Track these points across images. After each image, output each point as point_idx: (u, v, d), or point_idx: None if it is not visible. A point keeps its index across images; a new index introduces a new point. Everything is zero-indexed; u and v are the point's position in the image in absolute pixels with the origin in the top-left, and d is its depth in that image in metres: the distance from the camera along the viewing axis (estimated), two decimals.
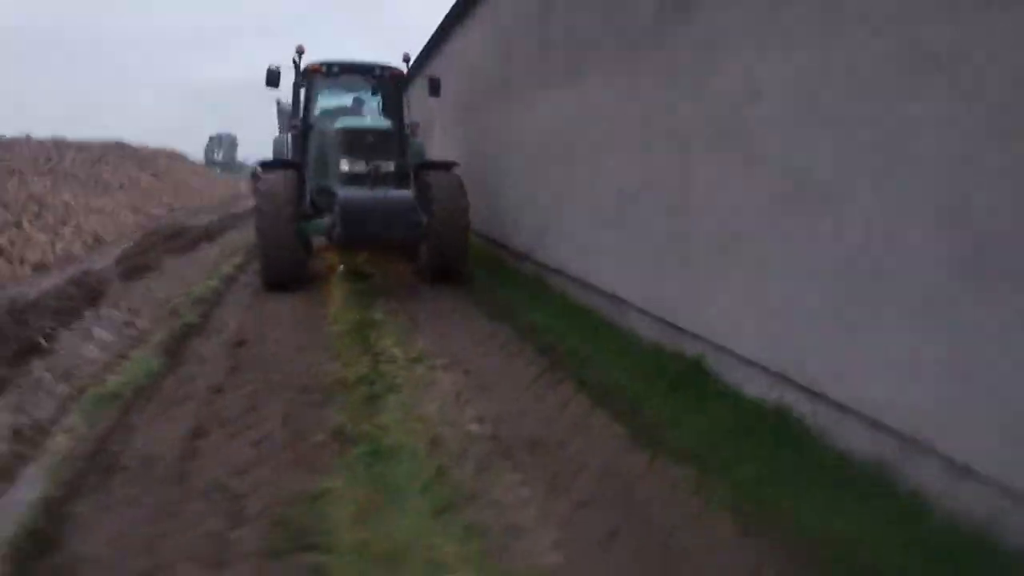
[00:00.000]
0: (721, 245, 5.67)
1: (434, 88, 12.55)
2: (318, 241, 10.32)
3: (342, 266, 10.72)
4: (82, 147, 23.74)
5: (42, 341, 7.18)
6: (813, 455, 4.28)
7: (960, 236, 3.56)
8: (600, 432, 4.84)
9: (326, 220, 9.94)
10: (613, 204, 7.64)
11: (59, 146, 22.36)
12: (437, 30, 17.25)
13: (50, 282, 10.31)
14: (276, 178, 9.96)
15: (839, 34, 4.43)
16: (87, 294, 9.45)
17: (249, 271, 11.67)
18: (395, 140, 10.53)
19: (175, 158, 37.35)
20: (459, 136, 15.28)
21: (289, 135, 12.20)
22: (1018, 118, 3.31)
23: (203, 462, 4.44)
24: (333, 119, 11.27)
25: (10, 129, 20.54)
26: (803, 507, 3.61)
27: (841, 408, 4.34)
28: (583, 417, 5.12)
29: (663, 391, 5.41)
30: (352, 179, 9.86)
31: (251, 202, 28.15)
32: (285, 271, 9.80)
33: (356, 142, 10.07)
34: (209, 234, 16.77)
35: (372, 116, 11.48)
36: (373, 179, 9.83)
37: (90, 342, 7.39)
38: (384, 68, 12.19)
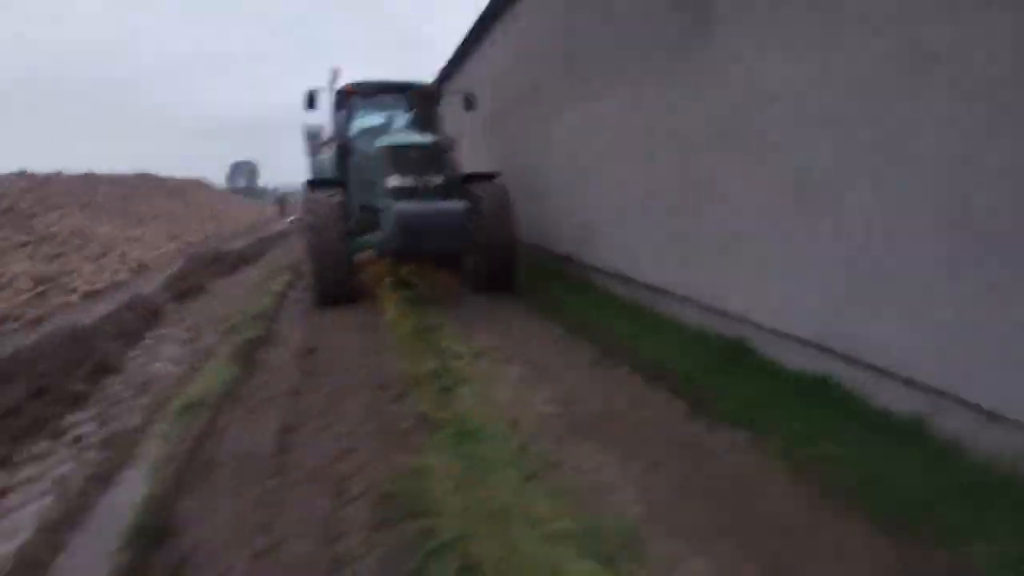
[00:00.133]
0: (753, 230, 6.04)
1: (469, 103, 12.47)
2: (361, 256, 10.56)
3: (388, 278, 10.88)
4: (112, 180, 24.24)
5: (112, 360, 7.62)
6: (854, 414, 4.65)
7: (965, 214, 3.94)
8: (659, 406, 5.23)
9: (378, 234, 10.06)
10: (653, 203, 7.97)
11: (90, 180, 22.84)
12: (459, 47, 17.36)
13: (102, 308, 10.72)
14: (325, 196, 10.11)
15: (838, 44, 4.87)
16: (145, 316, 9.89)
17: (297, 289, 11.98)
18: (438, 154, 10.51)
19: (202, 187, 37.96)
20: (489, 148, 15.47)
21: (330, 154, 12.34)
22: (1016, 116, 3.67)
23: (298, 454, 4.79)
24: (373, 137, 11.34)
25: (39, 166, 21.00)
26: (848, 457, 4.00)
27: (877, 370, 4.71)
28: (641, 394, 5.51)
29: (711, 368, 5.75)
30: (399, 194, 9.85)
31: (278, 226, 28.91)
32: (338, 287, 9.92)
33: (402, 158, 10.10)
34: (247, 257, 17.19)
35: (415, 132, 11.46)
36: (423, 192, 9.92)
37: (158, 359, 7.83)
38: (418, 86, 12.42)
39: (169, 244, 19.89)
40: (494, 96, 14.11)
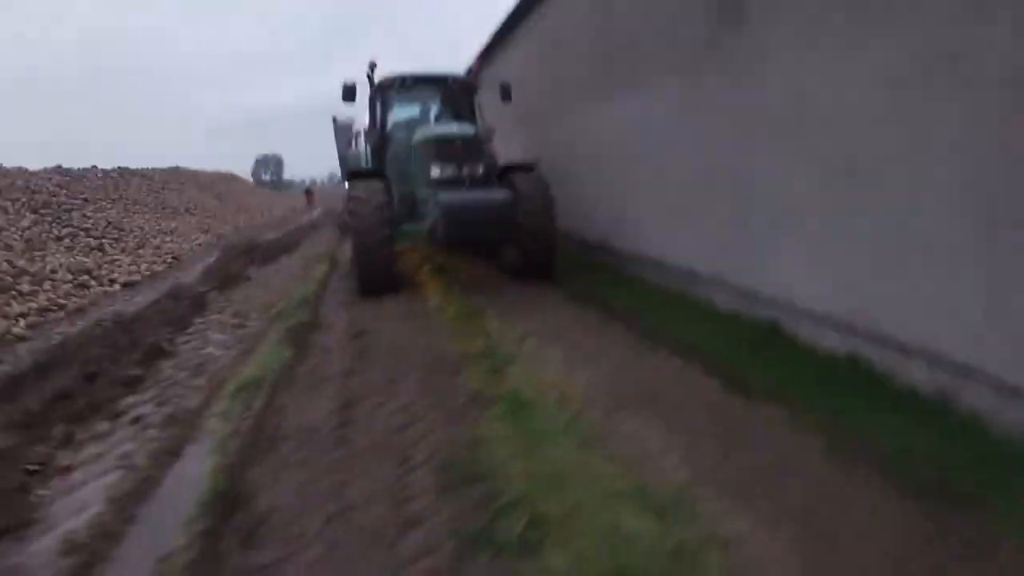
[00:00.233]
0: (786, 217, 6.27)
1: (506, 93, 12.52)
2: (399, 246, 10.53)
3: (425, 267, 11.04)
4: (144, 175, 24.63)
5: (164, 345, 7.92)
6: (882, 390, 4.93)
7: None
8: (697, 384, 5.49)
9: (418, 225, 10.18)
10: (688, 191, 8.17)
11: (124, 175, 23.21)
12: (491, 39, 17.44)
13: (143, 298, 11.14)
14: (368, 187, 10.05)
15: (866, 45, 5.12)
16: (191, 304, 10.21)
17: (336, 277, 12.24)
18: (479, 145, 10.57)
19: (231, 180, 38.41)
20: (522, 140, 15.50)
21: (366, 147, 12.55)
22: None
23: (359, 427, 5.07)
24: (410, 129, 11.45)
25: (71, 162, 21.34)
26: (877, 429, 4.29)
27: (904, 350, 4.97)
28: (679, 373, 5.77)
29: (745, 349, 6.02)
30: (441, 184, 9.93)
31: (307, 217, 29.15)
32: (381, 277, 9.87)
33: (444, 149, 10.16)
34: (282, 247, 17.52)
35: (456, 123, 11.41)
36: (468, 182, 10.00)
37: (208, 344, 8.11)
38: (455, 78, 12.49)
39: (202, 236, 20.30)
40: (525, 87, 13.99)
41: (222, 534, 3.72)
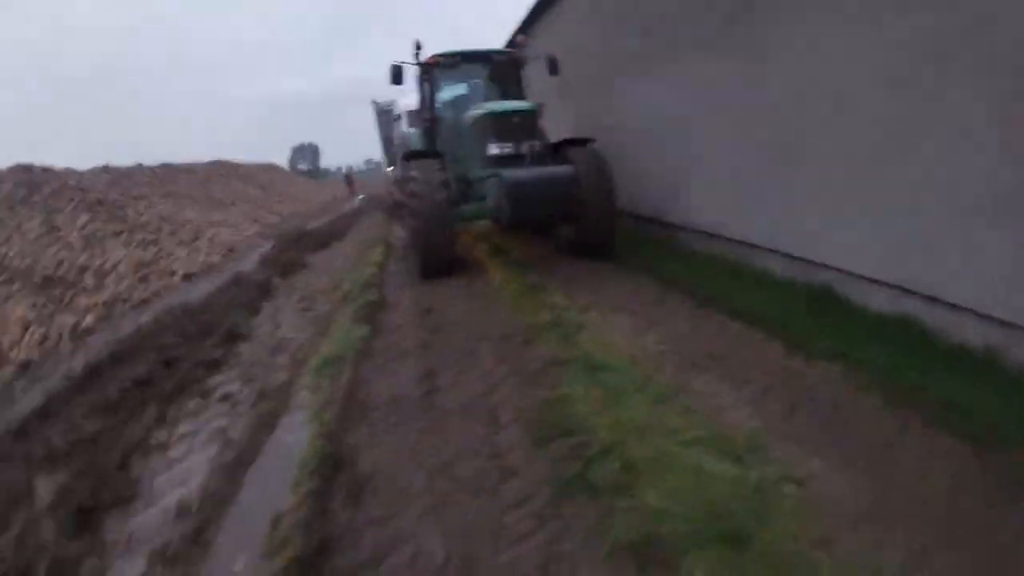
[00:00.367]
0: (841, 184, 6.47)
1: (553, 67, 12.04)
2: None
3: (481, 247, 11.18)
4: (189, 169, 25.12)
5: (239, 329, 8.29)
6: (934, 348, 5.20)
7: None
8: (758, 346, 5.80)
9: (487, 203, 9.91)
10: (742, 161, 8.31)
11: (169, 170, 23.69)
12: (529, 13, 17.05)
13: (204, 288, 11.51)
14: (427, 167, 9.92)
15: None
16: (256, 290, 10.57)
17: (393, 260, 12.47)
18: (535, 120, 10.36)
19: (272, 170, 38.94)
20: (566, 114, 15.26)
21: (414, 129, 12.56)
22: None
23: (444, 394, 5.44)
24: (460, 107, 11.64)
25: (118, 159, 21.87)
26: (929, 385, 4.57)
27: (954, 308, 5.24)
28: (741, 336, 6.08)
29: (802, 313, 6.29)
30: (501, 162, 9.78)
31: (349, 205, 29.50)
32: (444, 259, 9.81)
33: (500, 125, 10.00)
34: (333, 234, 17.84)
35: (511, 99, 11.32)
36: (525, 159, 9.85)
37: (280, 326, 8.42)
38: (502, 53, 12.19)
39: (252, 227, 20.73)
40: (569, 60, 13.38)
41: (331, 494, 4.05)
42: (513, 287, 8.61)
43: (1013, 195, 4.60)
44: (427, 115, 11.76)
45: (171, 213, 17.90)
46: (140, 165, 22.96)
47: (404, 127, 17.54)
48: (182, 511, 4.10)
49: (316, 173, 68.19)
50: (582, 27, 14.02)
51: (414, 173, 9.86)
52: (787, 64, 7.12)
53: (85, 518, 4.14)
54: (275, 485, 4.23)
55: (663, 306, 7.37)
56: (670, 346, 5.95)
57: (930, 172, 5.32)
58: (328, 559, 3.44)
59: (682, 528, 3.20)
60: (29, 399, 6.42)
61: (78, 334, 8.93)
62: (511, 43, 15.90)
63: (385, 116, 22.48)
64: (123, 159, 24.28)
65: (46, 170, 16.11)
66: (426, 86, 11.70)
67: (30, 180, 14.76)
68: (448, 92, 12.45)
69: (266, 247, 15.92)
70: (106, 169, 19.86)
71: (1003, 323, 4.79)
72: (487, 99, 11.81)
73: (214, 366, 7.02)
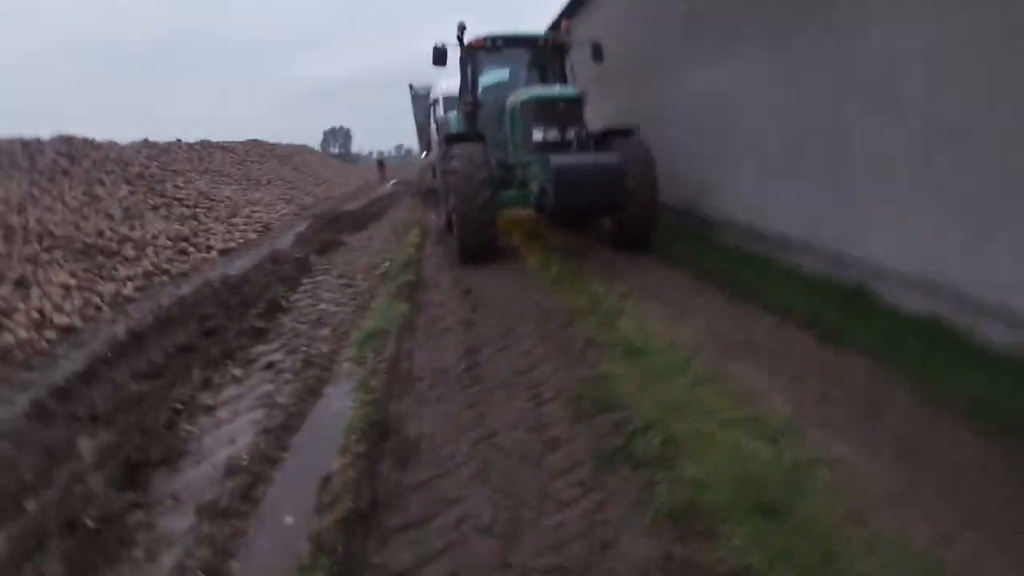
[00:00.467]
0: (878, 184, 6.61)
1: (597, 53, 11.78)
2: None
3: (517, 235, 11.26)
4: (225, 147, 25.34)
5: (281, 301, 8.47)
6: (962, 346, 5.37)
7: None
8: (791, 337, 6.00)
9: (531, 188, 9.88)
10: (775, 156, 8.46)
11: (206, 147, 23.90)
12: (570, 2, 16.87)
13: (243, 262, 11.71)
14: (469, 150, 9.76)
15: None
16: (295, 266, 10.73)
17: (431, 243, 12.61)
18: (580, 107, 10.19)
19: (307, 152, 39.19)
20: (603, 104, 14.99)
21: (457, 113, 12.32)
22: None
23: (486, 369, 5.65)
24: (502, 91, 11.45)
25: (158, 134, 22.03)
26: (955, 380, 4.76)
27: (981, 308, 5.39)
28: (774, 328, 6.27)
29: (834, 309, 6.42)
30: (546, 148, 9.61)
31: (381, 189, 29.68)
32: (484, 243, 9.69)
33: (546, 111, 9.87)
34: (368, 216, 18.03)
35: (557, 85, 11.14)
36: (574, 145, 9.67)
37: (321, 301, 8.57)
38: (546, 37, 11.95)
39: (286, 206, 20.97)
40: (612, 48, 12.84)
41: (379, 458, 4.23)
42: (550, 273, 8.73)
43: None
44: (469, 98, 11.57)
45: (209, 189, 18.13)
46: (179, 141, 23.18)
47: (441, 111, 17.56)
48: (231, 469, 4.22)
49: (347, 157, 68.36)
50: (628, 14, 13.93)
51: (456, 155, 9.75)
52: (829, 54, 7.21)
53: (133, 473, 4.26)
54: (323, 448, 4.37)
55: (698, 296, 7.54)
56: (705, 334, 6.12)
57: (974, 172, 5.44)
58: (377, 518, 3.60)
59: (721, 499, 3.38)
60: (72, 362, 6.57)
61: (119, 302, 9.10)
62: (555, 27, 15.68)
63: (421, 101, 22.49)
64: (163, 134, 24.37)
65: (87, 142, 16.26)
66: (469, 69, 11.54)
67: (72, 151, 14.93)
68: (490, 76, 12.21)
69: (302, 227, 16.12)
70: (146, 143, 20.06)
71: None
72: (529, 84, 11.64)
73: (257, 336, 7.16)
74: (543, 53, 12.01)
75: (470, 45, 11.36)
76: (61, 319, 7.85)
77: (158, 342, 7.01)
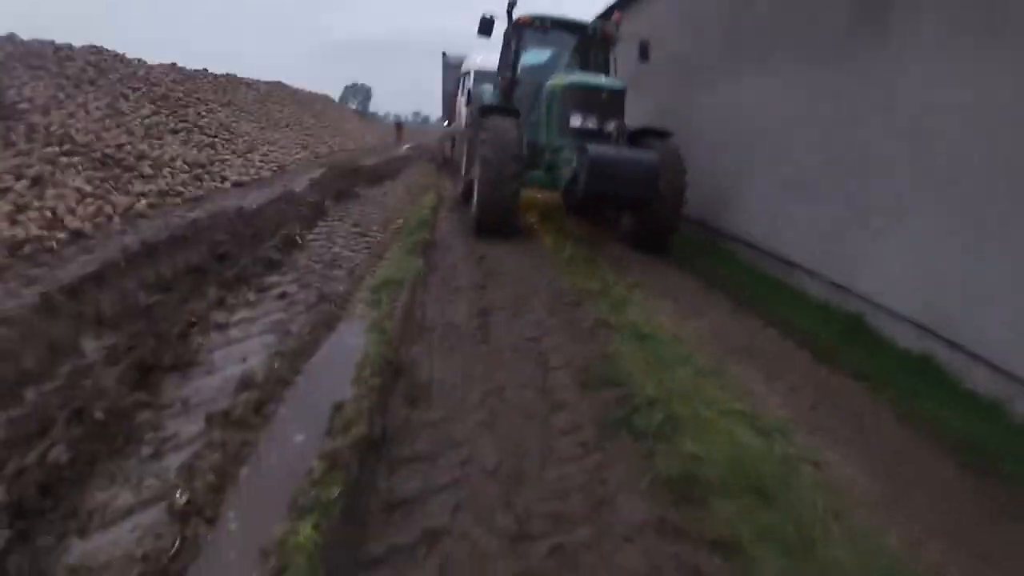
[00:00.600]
0: (886, 218, 6.84)
1: (644, 52, 11.65)
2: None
3: (534, 217, 11.36)
4: (250, 84, 25.36)
5: (298, 239, 8.60)
6: (948, 386, 5.70)
7: None
8: (790, 351, 6.27)
9: (563, 172, 9.65)
10: (789, 180, 8.65)
11: (232, 81, 23.93)
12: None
13: (256, 197, 11.69)
14: (503, 123, 9.63)
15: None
16: (311, 209, 10.81)
17: (446, 209, 12.66)
18: (621, 100, 10.13)
19: (328, 102, 39.04)
20: (635, 103, 14.28)
21: (491, 87, 12.17)
22: None
23: (497, 330, 5.84)
24: (541, 73, 11.32)
25: (186, 60, 21.97)
26: (940, 416, 5.07)
27: (972, 356, 5.67)
28: (775, 340, 6.54)
29: (833, 333, 6.73)
30: (583, 135, 9.56)
31: (397, 151, 29.72)
32: (503, 216, 9.61)
33: (586, 99, 9.85)
34: (384, 173, 18.13)
35: (601, 74, 11.05)
36: (613, 137, 9.55)
37: (335, 245, 8.67)
38: (595, 26, 11.75)
39: (302, 152, 21.06)
40: (656, 49, 12.59)
41: (390, 393, 4.41)
42: (564, 255, 8.93)
43: None
44: (508, 74, 11.46)
45: (229, 122, 18.13)
46: (206, 71, 23.20)
47: (471, 83, 17.59)
48: (244, 382, 4.32)
49: (365, 115, 68.10)
50: (674, 18, 13.90)
51: (489, 127, 9.57)
52: (861, 90, 7.36)
53: (145, 375, 4.30)
54: (335, 378, 4.48)
55: (705, 299, 7.80)
56: (710, 333, 6.38)
57: (984, 218, 5.67)
58: (387, 448, 3.79)
59: (715, 475, 3.64)
60: (80, 265, 6.52)
61: (131, 216, 9.18)
62: (606, 17, 15.56)
63: (453, 71, 22.45)
64: (191, 62, 24.32)
65: (117, 56, 16.32)
66: (513, 44, 11.44)
67: (100, 62, 14.99)
68: (532, 55, 11.96)
69: (316, 173, 16.16)
70: (174, 67, 20.09)
71: (1014, 378, 5.26)
72: (570, 69, 11.40)
73: (271, 267, 7.23)
74: (589, 42, 11.81)
75: (518, 21, 11.29)
76: (73, 222, 7.87)
77: (170, 259, 6.99)
